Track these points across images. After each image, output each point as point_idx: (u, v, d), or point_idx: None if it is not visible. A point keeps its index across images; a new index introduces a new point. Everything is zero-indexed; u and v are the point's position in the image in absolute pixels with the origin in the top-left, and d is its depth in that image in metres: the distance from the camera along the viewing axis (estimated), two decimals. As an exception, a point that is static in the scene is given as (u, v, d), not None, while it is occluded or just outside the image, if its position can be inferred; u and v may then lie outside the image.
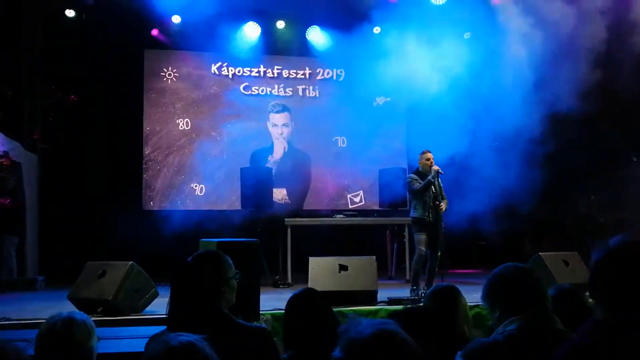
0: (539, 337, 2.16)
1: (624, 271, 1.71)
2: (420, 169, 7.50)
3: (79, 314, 2.51)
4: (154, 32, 10.80)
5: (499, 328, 2.28)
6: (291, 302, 2.99)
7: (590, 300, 3.06)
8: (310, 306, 2.90)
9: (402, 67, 11.78)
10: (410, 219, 7.59)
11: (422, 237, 7.25)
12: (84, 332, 2.40)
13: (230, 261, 2.68)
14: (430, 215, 7.27)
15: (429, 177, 7.27)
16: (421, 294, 6.96)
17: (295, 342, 2.83)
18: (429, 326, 2.20)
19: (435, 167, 7.31)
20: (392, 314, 2.49)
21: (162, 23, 10.54)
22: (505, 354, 2.13)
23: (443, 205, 7.33)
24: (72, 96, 10.07)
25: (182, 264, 2.59)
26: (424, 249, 7.20)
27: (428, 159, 7.43)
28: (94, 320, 5.34)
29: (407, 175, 7.83)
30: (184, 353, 1.66)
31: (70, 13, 10.07)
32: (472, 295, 6.33)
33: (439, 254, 7.34)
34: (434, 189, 7.36)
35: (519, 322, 2.23)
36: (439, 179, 7.46)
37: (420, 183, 7.34)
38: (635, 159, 9.30)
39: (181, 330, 1.80)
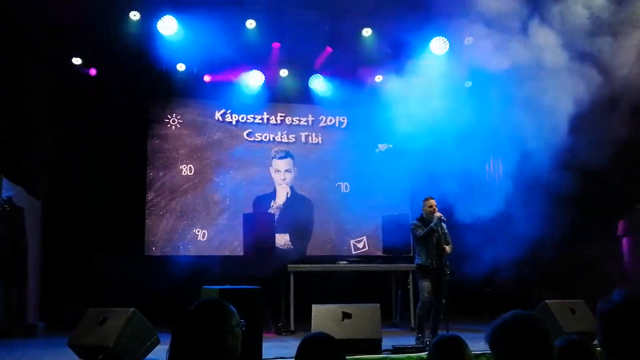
0: None
1: (631, 326, 1.72)
2: (424, 216, 7.52)
3: None
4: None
5: None
6: (306, 346, 2.83)
7: (598, 349, 3.03)
8: (326, 353, 2.81)
9: (404, 114, 11.94)
10: (415, 265, 7.57)
11: (425, 284, 7.22)
12: None
13: (234, 309, 2.66)
14: (434, 262, 7.25)
15: (432, 225, 7.28)
16: (426, 342, 6.88)
17: None
18: None
19: (437, 214, 7.33)
20: None
21: (168, 71, 10.70)
22: None
23: (448, 248, 7.32)
24: (76, 141, 10.12)
25: (183, 312, 2.57)
26: (427, 295, 7.16)
27: (431, 206, 7.46)
28: (95, 368, 5.26)
29: (411, 222, 7.83)
30: None
31: (77, 61, 10.23)
32: (478, 344, 6.27)
33: (444, 301, 7.28)
34: (437, 236, 7.37)
35: None
36: (443, 225, 7.48)
37: (423, 230, 7.34)
38: (638, 207, 9.29)
39: None
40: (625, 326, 1.76)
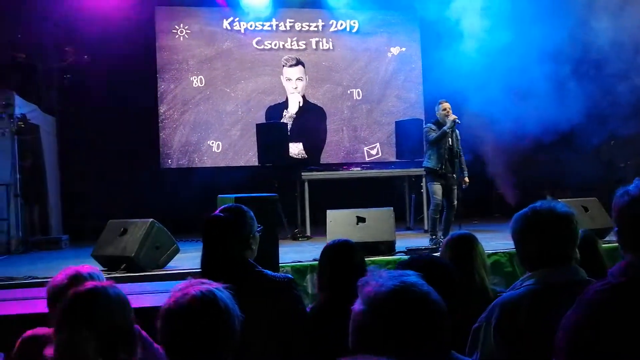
0: (562, 287, 2.02)
1: None
2: (439, 120, 7.42)
3: (89, 269, 2.58)
4: None
5: (517, 282, 2.17)
6: (328, 251, 2.97)
7: (605, 245, 3.08)
8: (347, 256, 2.89)
9: (416, 16, 11.62)
10: (423, 168, 7.57)
11: (436, 186, 7.24)
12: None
13: (253, 214, 2.73)
14: (443, 167, 7.22)
15: (445, 127, 7.21)
16: (439, 242, 6.97)
17: (327, 291, 2.87)
18: (446, 275, 2.12)
19: (451, 117, 7.23)
20: (401, 263, 2.37)
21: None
22: (527, 307, 2.02)
23: (466, 180, 7.41)
24: (85, 56, 10.05)
25: (214, 216, 2.64)
26: (439, 198, 7.20)
27: (445, 109, 7.35)
28: (118, 277, 5.46)
29: (425, 124, 7.76)
30: (204, 302, 1.71)
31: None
32: (490, 244, 6.40)
33: (455, 203, 7.33)
34: (450, 142, 7.29)
35: (539, 274, 2.08)
36: (457, 132, 7.40)
37: (436, 133, 7.29)
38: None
39: (212, 279, 1.84)
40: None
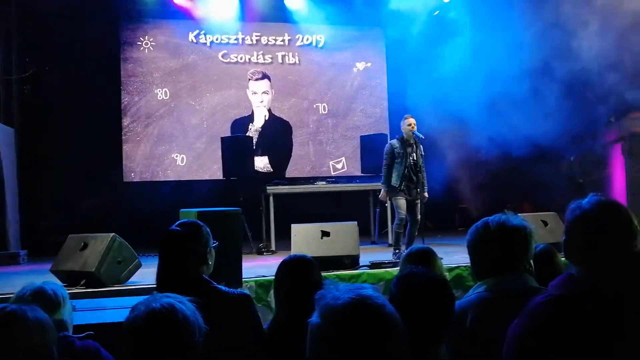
0: (510, 294, 2.11)
1: (597, 230, 1.76)
2: (404, 135, 7.47)
3: (52, 284, 2.53)
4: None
5: (470, 290, 2.26)
6: (284, 267, 2.94)
7: (564, 259, 3.14)
8: (303, 272, 2.89)
9: (381, 31, 11.77)
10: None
11: (400, 201, 7.28)
12: (53, 303, 2.42)
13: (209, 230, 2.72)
14: (403, 185, 7.28)
15: (399, 186, 7.24)
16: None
17: (283, 307, 2.86)
18: (444, 291, 2.11)
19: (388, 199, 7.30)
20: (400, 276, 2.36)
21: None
22: (480, 312, 2.11)
23: (425, 194, 7.39)
24: (47, 67, 9.90)
25: (170, 231, 2.62)
26: (403, 212, 7.25)
27: (410, 124, 7.39)
28: (78, 293, 5.36)
29: (390, 140, 7.76)
30: (163, 316, 1.71)
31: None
32: (453, 257, 6.48)
33: (419, 217, 7.38)
34: (414, 157, 7.34)
35: (490, 282, 2.18)
36: (421, 147, 7.45)
37: (396, 155, 7.32)
38: (612, 120, 9.37)
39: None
40: (590, 229, 1.78)
